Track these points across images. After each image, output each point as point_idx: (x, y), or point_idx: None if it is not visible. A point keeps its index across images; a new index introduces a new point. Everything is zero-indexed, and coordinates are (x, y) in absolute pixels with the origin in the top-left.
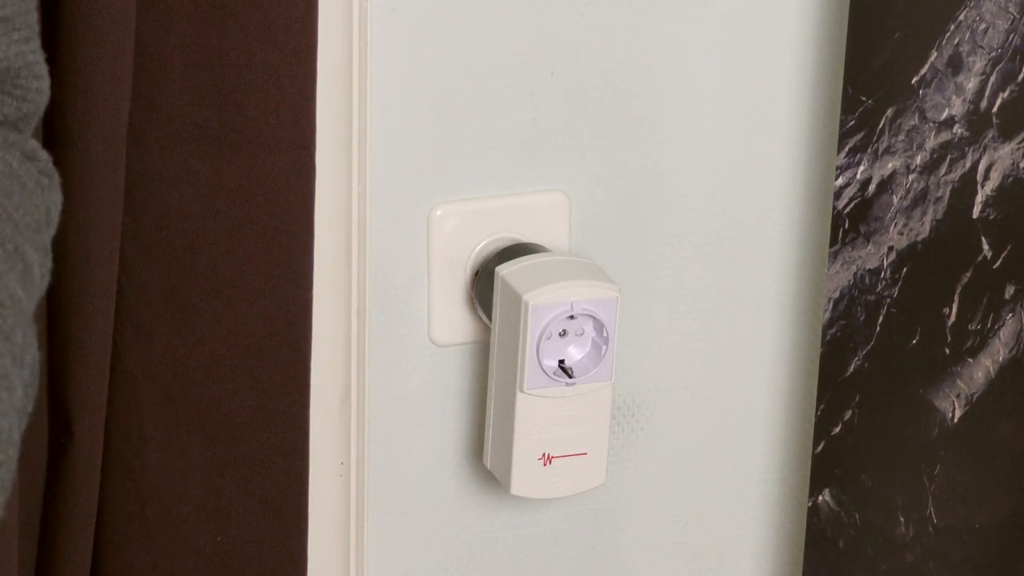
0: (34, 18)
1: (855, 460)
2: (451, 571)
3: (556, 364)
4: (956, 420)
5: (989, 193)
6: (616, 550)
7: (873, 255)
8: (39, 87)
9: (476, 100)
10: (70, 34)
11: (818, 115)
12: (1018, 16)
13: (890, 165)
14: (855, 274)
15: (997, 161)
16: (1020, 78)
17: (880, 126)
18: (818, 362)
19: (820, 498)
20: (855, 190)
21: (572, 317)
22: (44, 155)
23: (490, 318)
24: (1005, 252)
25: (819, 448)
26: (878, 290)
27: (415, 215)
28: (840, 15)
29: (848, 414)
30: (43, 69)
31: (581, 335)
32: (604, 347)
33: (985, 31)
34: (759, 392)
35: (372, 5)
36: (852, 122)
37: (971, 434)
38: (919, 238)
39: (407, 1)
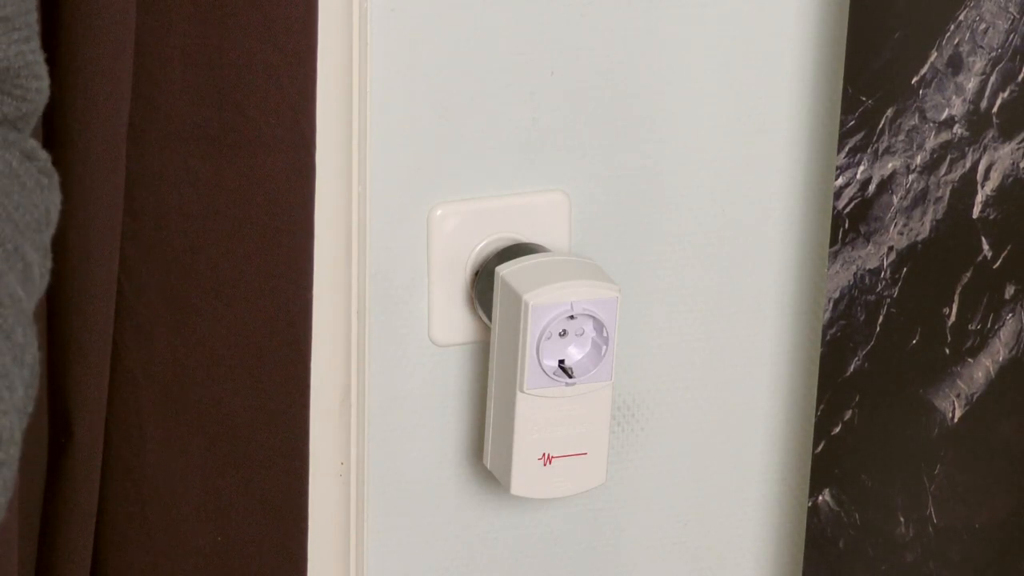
0: (34, 18)
1: (855, 460)
2: (451, 571)
3: (556, 364)
4: (956, 420)
5: (989, 193)
6: (616, 550)
7: (873, 255)
8: (39, 87)
9: (476, 100)
10: (70, 34)
11: (818, 115)
12: (1018, 16)
13: (890, 165)
14: (855, 274)
15: (997, 161)
16: (1020, 78)
17: (880, 126)
18: (818, 362)
19: (820, 498)
20: (855, 190)
21: (572, 317)
22: (43, 155)
23: (490, 318)
24: (1005, 252)
25: (819, 448)
26: (878, 290)
27: (415, 215)
28: (840, 15)
29: (848, 414)
30: (43, 69)
31: (581, 335)
32: (604, 347)
33: (985, 31)
34: (759, 392)
35: (372, 5)
36: (852, 122)
37: (971, 434)
38: (919, 238)
39: (407, 1)
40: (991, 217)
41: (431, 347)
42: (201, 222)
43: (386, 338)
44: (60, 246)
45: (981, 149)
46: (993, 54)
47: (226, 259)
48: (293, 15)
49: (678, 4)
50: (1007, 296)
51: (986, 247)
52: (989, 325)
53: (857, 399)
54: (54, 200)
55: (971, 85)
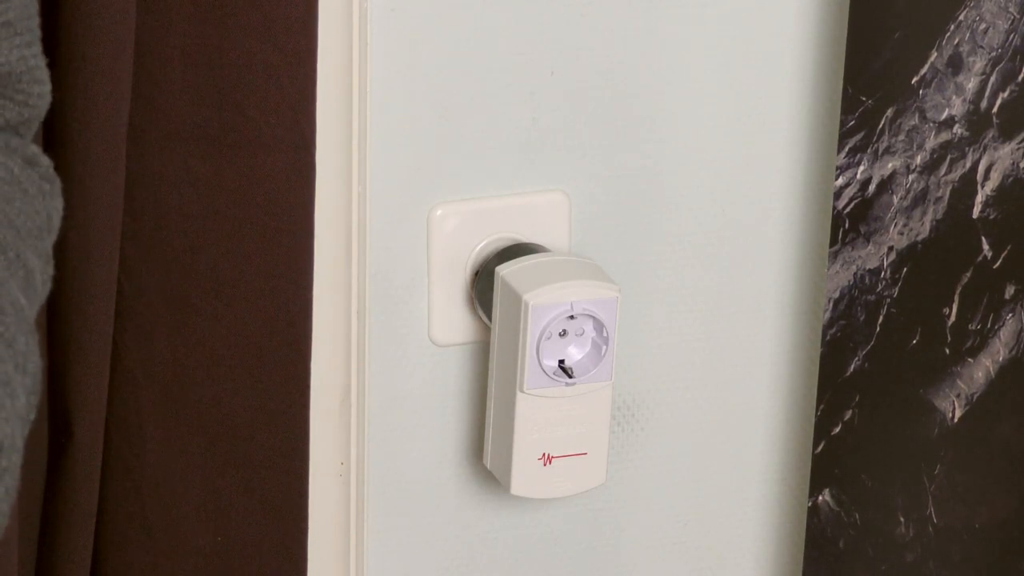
0: (36, 23)
1: (855, 460)
2: (451, 571)
3: (556, 364)
4: (956, 420)
5: (989, 193)
6: (616, 550)
7: (873, 255)
8: (40, 92)
9: (476, 100)
10: (70, 34)
11: (818, 115)
12: (1018, 16)
13: (890, 165)
14: (855, 274)
15: (997, 161)
16: (1020, 78)
17: (880, 126)
18: (818, 362)
19: (820, 498)
20: (855, 190)
21: (572, 317)
22: (46, 160)
23: (490, 318)
24: (1005, 252)
25: (819, 448)
26: (878, 290)
27: (415, 215)
28: (840, 15)
29: (848, 414)
30: (45, 74)
31: (581, 335)
32: (604, 347)
33: (985, 31)
34: (759, 392)
35: (372, 5)
36: (852, 122)
37: (971, 434)
38: (919, 238)
39: (407, 1)
40: (991, 217)
41: (431, 347)
42: (201, 222)
43: (386, 338)
44: (60, 246)
45: (981, 149)
46: (993, 54)
47: (226, 259)
48: (293, 15)
49: (678, 4)
50: (1007, 296)
51: (986, 247)
52: (989, 325)
53: (857, 399)
54: (56, 206)
55: (971, 85)
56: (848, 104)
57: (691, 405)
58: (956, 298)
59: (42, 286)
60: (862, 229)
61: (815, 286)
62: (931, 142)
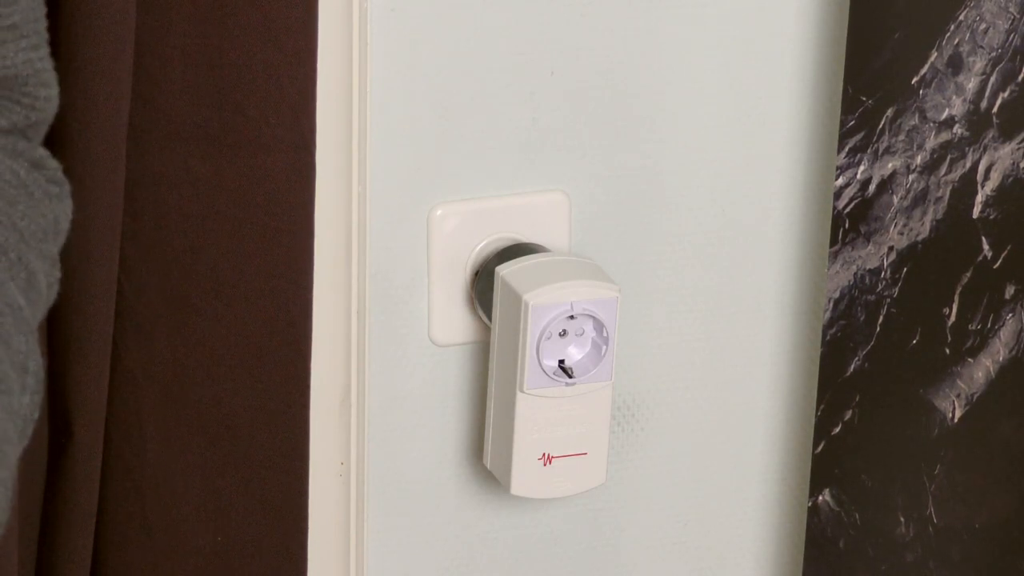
0: (43, 26)
1: (855, 460)
2: (451, 571)
3: (556, 364)
4: (956, 420)
5: (989, 193)
6: (616, 550)
7: (873, 255)
8: (47, 95)
9: (476, 100)
10: (70, 34)
11: (818, 115)
12: (1018, 16)
13: (890, 165)
14: (855, 274)
15: (997, 161)
16: (1020, 78)
17: (880, 126)
18: (818, 362)
19: (820, 498)
20: (855, 190)
21: (572, 317)
22: (53, 164)
23: (490, 318)
24: (1005, 252)
25: (819, 448)
26: (878, 290)
27: (415, 215)
28: (840, 15)
29: (848, 414)
30: (51, 77)
31: (581, 335)
32: (604, 347)
33: (985, 31)
34: (759, 392)
35: (372, 5)
36: (852, 122)
37: (971, 434)
38: (919, 238)
39: (407, 1)
40: (991, 217)
41: (431, 347)
42: (201, 222)
43: (386, 338)
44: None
45: (981, 149)
46: (993, 54)
47: (226, 259)
48: (293, 15)
49: (678, 4)
50: (1007, 296)
51: (986, 247)
52: (989, 325)
53: (857, 399)
54: (64, 210)
55: (971, 85)
56: (848, 104)
57: (691, 405)
58: (956, 298)
59: (47, 288)
60: (862, 229)
61: (815, 286)
62: (931, 142)
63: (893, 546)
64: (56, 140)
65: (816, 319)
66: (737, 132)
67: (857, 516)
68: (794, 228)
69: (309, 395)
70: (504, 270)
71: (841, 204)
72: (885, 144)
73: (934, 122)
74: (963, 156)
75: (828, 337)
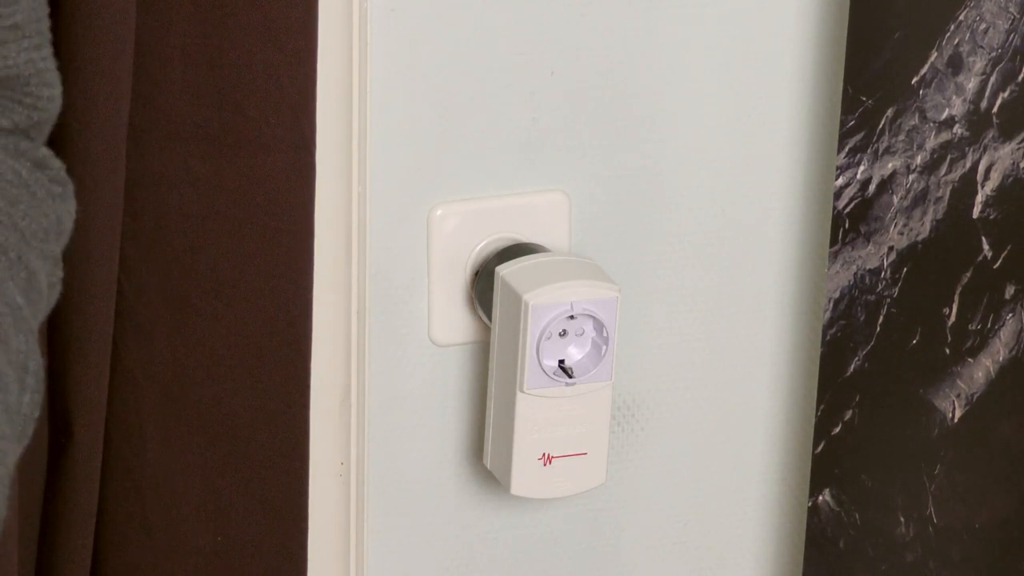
0: (46, 26)
1: (855, 460)
2: (451, 571)
3: (556, 364)
4: (956, 420)
5: (989, 193)
6: (616, 550)
7: (873, 255)
8: (50, 95)
9: (476, 100)
10: (70, 34)
11: (818, 115)
12: (1018, 16)
13: (890, 165)
14: (855, 274)
15: (997, 161)
16: (1020, 78)
17: (880, 126)
18: (818, 362)
19: (820, 498)
20: (855, 190)
21: (572, 317)
22: (57, 163)
23: (490, 318)
24: (1005, 252)
25: (819, 448)
26: (878, 290)
27: (415, 215)
28: (840, 15)
29: (848, 414)
30: (54, 77)
31: (581, 335)
32: (604, 347)
33: (985, 31)
34: (759, 392)
35: (372, 5)
36: (852, 122)
37: (971, 434)
38: (919, 238)
39: (407, 1)
40: (991, 217)
41: (431, 347)
42: (201, 222)
43: (386, 338)
44: None
45: (981, 149)
46: (993, 54)
47: (226, 259)
48: (293, 15)
49: (678, 4)
50: (1007, 296)
51: (986, 247)
52: (989, 325)
53: (857, 399)
54: (67, 209)
55: (971, 85)
56: (848, 104)
57: (691, 405)
58: (956, 298)
59: (49, 288)
60: (862, 229)
61: (815, 286)
62: (931, 142)
63: (893, 546)
64: (56, 140)
65: (816, 319)
66: (737, 132)
67: (857, 516)
68: (794, 228)
69: (309, 395)
70: (504, 270)
71: (841, 204)
72: (885, 144)
73: (934, 122)
74: (963, 156)
75: (828, 337)
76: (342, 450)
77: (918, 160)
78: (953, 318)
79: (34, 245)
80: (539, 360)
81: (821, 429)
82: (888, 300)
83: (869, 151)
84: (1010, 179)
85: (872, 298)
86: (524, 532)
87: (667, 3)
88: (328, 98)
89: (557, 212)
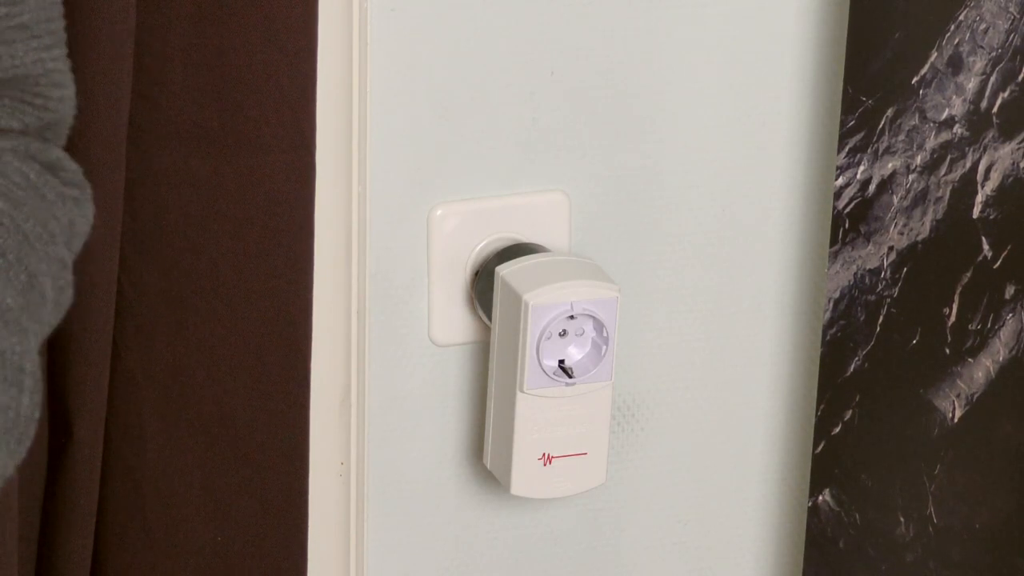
0: (59, 26)
1: (855, 460)
2: (451, 571)
3: (556, 364)
4: (956, 420)
5: (989, 193)
6: (616, 550)
7: (873, 255)
8: (61, 95)
9: (476, 100)
10: (70, 34)
11: (818, 115)
12: (1018, 16)
13: (890, 165)
14: (855, 274)
15: (997, 161)
16: (1020, 78)
17: (880, 126)
18: (818, 362)
19: (820, 498)
20: (855, 190)
21: (572, 317)
22: (72, 166)
23: (490, 318)
24: (1005, 252)
25: (819, 448)
26: (878, 290)
27: (415, 215)
28: (840, 15)
29: (848, 414)
30: (66, 77)
31: (581, 335)
32: (604, 347)
33: (985, 31)
34: (759, 392)
35: (372, 5)
36: (852, 122)
37: (971, 434)
38: (919, 238)
39: (407, 1)
40: (991, 217)
41: (431, 347)
42: (201, 222)
43: (386, 338)
44: None
45: (981, 149)
46: (993, 54)
47: (226, 259)
48: (293, 15)
49: (678, 4)
50: (1007, 296)
51: (986, 247)
52: (989, 325)
53: (857, 399)
54: (83, 212)
55: (971, 85)
56: (848, 104)
57: (691, 405)
58: (956, 298)
59: (57, 291)
60: (862, 229)
61: (815, 286)
62: (931, 142)
63: (893, 546)
64: None
65: (816, 319)
66: (737, 132)
67: (857, 516)
68: (794, 228)
69: (309, 395)
70: (504, 270)
71: (841, 204)
72: (885, 144)
73: (934, 122)
74: (963, 156)
75: (828, 337)
76: (342, 450)
77: (918, 160)
78: (953, 318)
79: (38, 248)
80: (539, 360)
81: (821, 429)
82: (888, 300)
83: (869, 151)
84: (1010, 179)
85: (872, 298)
86: (524, 532)
87: (667, 3)
88: (328, 98)
89: (557, 212)
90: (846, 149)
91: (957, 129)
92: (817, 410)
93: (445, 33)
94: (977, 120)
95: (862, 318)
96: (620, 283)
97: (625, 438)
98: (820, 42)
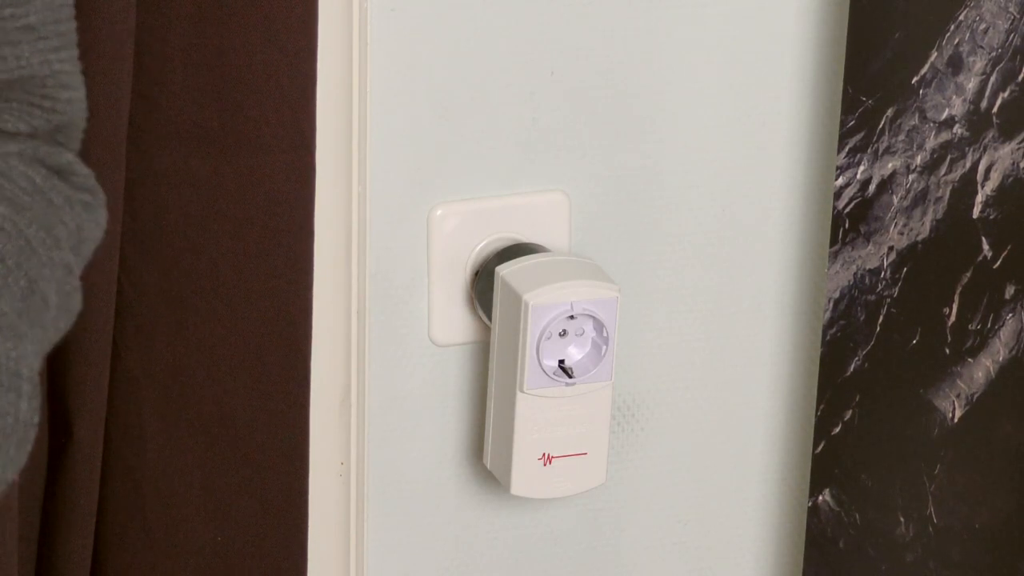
0: (68, 28)
1: (855, 460)
2: (451, 571)
3: (556, 364)
4: (956, 420)
5: (989, 193)
6: (616, 550)
7: (873, 255)
8: (69, 97)
9: (476, 100)
10: None
11: (818, 115)
12: (1018, 16)
13: (890, 165)
14: (855, 274)
15: (997, 161)
16: (1020, 78)
17: (880, 126)
18: (818, 362)
19: (820, 498)
20: (855, 190)
21: (572, 317)
22: (84, 171)
23: (490, 318)
24: (1005, 252)
25: (819, 448)
26: (878, 290)
27: (415, 215)
28: (840, 15)
29: (848, 414)
30: (74, 79)
31: (581, 335)
32: (604, 347)
33: (985, 31)
34: (759, 392)
35: (372, 5)
36: (852, 122)
37: (971, 434)
38: (919, 238)
39: (407, 1)
40: (991, 217)
41: (431, 347)
42: (201, 222)
43: (386, 338)
44: None
45: (981, 149)
46: (993, 54)
47: (226, 259)
48: (293, 15)
49: (678, 4)
50: (1007, 296)
51: (986, 247)
52: (989, 325)
53: (857, 399)
54: (94, 217)
55: (971, 85)
56: (848, 104)
57: (691, 405)
58: (956, 298)
59: (63, 296)
60: (862, 229)
61: (815, 286)
62: (931, 142)
63: (893, 546)
64: None
65: (816, 319)
66: (737, 132)
67: (857, 516)
68: (794, 228)
69: (309, 395)
70: (504, 270)
71: (841, 204)
72: (885, 144)
73: (934, 122)
74: (963, 156)
75: (828, 337)
76: (342, 450)
77: (918, 160)
78: (953, 318)
79: (41, 253)
80: (539, 360)
81: (821, 429)
82: (888, 300)
83: (869, 151)
84: (1010, 179)
85: (872, 298)
86: (524, 532)
87: (667, 3)
88: (328, 98)
89: (557, 212)
90: (846, 149)
91: (957, 129)
92: (817, 410)
93: (445, 33)
94: (977, 120)
95: (862, 318)
96: (620, 283)
97: (625, 438)
98: (820, 42)
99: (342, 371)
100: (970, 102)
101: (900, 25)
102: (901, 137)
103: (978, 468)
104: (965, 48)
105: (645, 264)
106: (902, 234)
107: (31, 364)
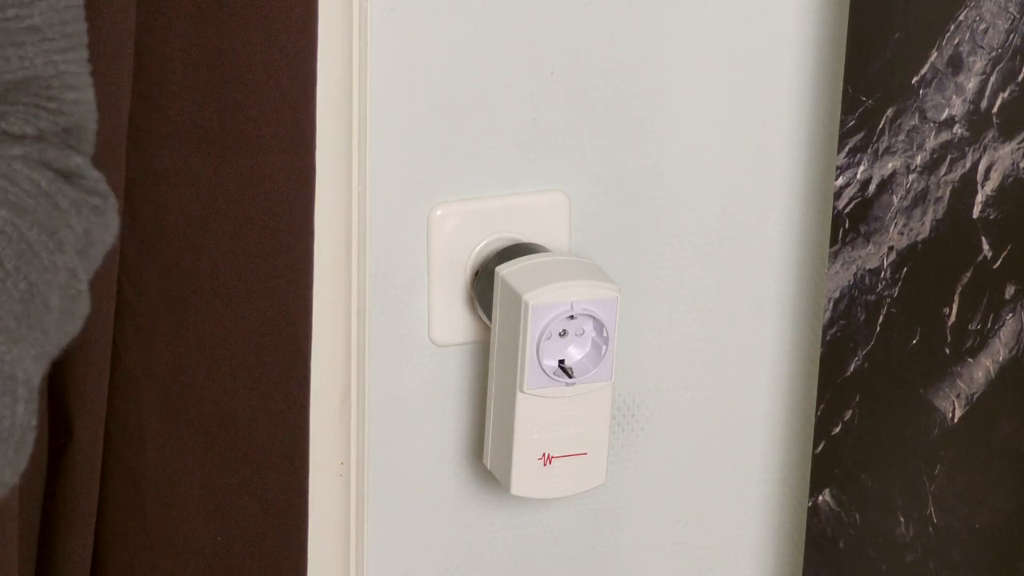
0: (76, 29)
1: (855, 460)
2: (451, 571)
3: (556, 364)
4: (956, 420)
5: (989, 193)
6: (616, 550)
7: (873, 255)
8: (75, 98)
9: (476, 100)
10: None
11: (818, 115)
12: (1018, 16)
13: (890, 165)
14: (855, 274)
15: (997, 161)
16: (1020, 78)
17: (880, 126)
18: (818, 362)
19: (820, 498)
20: (855, 190)
21: (572, 317)
22: (93, 174)
23: (490, 318)
24: (1005, 252)
25: (819, 448)
26: (878, 290)
27: (415, 215)
28: (840, 15)
29: (848, 414)
30: (81, 80)
31: (581, 335)
32: (604, 347)
33: (985, 31)
34: (759, 392)
35: (372, 5)
36: (852, 122)
37: (971, 434)
38: (919, 238)
39: (407, 1)
40: (991, 217)
41: (431, 347)
42: (201, 222)
43: (386, 338)
44: None
45: (981, 149)
46: (993, 54)
47: (226, 259)
48: (293, 15)
49: (678, 4)
50: (1007, 296)
51: (986, 247)
52: (989, 325)
53: (857, 399)
54: (103, 221)
55: (971, 85)
56: (848, 104)
57: (691, 405)
58: (956, 298)
59: (66, 300)
60: (862, 229)
61: (815, 286)
62: (931, 142)
63: (893, 546)
64: None
65: (816, 319)
66: (737, 132)
67: (857, 516)
68: (794, 228)
69: (309, 395)
70: (504, 270)
71: (841, 204)
72: (885, 144)
73: (934, 122)
74: (963, 156)
75: (828, 337)
76: (342, 450)
77: (918, 160)
78: (953, 318)
79: (43, 257)
80: (539, 360)
81: (821, 429)
82: (888, 300)
83: (869, 151)
84: (1010, 179)
85: (872, 298)
86: (524, 532)
87: (667, 3)
88: (328, 98)
89: (557, 212)
90: (846, 149)
91: (957, 129)
92: (817, 410)
93: (445, 33)
94: (977, 120)
95: (862, 318)
96: (620, 283)
97: (625, 438)
98: (820, 42)
99: (342, 371)
100: (970, 102)
101: (900, 25)
102: (901, 137)
103: (978, 468)
104: (965, 48)
105: (645, 264)
106: (902, 234)
107: (28, 368)
